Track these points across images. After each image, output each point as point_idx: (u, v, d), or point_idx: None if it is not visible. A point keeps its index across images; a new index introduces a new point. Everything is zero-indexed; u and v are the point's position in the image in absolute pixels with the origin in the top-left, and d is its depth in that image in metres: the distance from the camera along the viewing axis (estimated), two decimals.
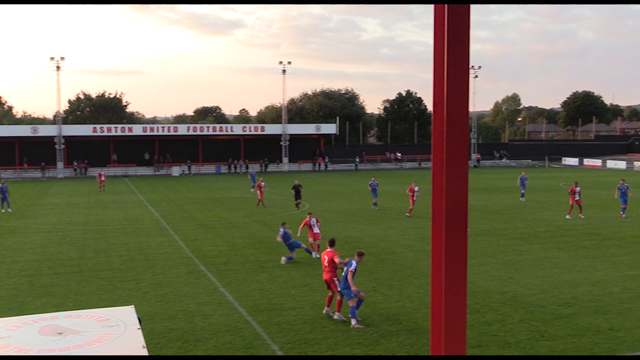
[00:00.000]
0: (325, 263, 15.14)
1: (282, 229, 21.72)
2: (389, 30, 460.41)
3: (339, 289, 14.80)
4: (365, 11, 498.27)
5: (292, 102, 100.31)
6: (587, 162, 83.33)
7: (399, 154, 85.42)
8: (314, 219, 22.99)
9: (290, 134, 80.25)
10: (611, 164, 79.90)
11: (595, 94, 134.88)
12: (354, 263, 14.67)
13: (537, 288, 17.63)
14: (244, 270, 20.44)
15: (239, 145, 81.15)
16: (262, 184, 39.26)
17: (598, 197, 41.31)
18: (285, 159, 79.99)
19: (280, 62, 79.86)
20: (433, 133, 5.66)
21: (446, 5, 5.34)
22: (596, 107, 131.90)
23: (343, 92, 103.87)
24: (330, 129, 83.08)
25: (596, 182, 52.97)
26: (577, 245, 24.48)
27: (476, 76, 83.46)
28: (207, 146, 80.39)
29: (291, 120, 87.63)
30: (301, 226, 22.92)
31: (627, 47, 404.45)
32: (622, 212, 32.17)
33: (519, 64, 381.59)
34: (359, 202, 40.91)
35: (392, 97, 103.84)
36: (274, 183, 53.60)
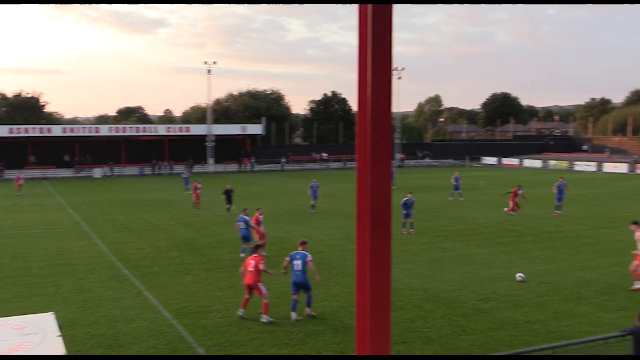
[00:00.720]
0: (251, 268, 14.97)
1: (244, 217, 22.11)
2: (314, 31, 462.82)
3: (264, 293, 14.80)
4: (290, 12, 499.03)
5: (217, 102, 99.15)
6: (506, 161, 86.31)
7: (325, 154, 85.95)
8: (262, 216, 23.21)
9: (215, 135, 79.36)
10: (528, 162, 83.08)
11: (512, 96, 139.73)
12: (308, 254, 15.03)
13: (459, 284, 18.15)
14: (169, 273, 20.11)
15: (163, 146, 79.66)
16: (199, 185, 38.66)
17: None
18: (210, 160, 79.05)
19: (205, 62, 78.98)
20: (357, 133, 5.74)
21: (369, 6, 5.43)
22: (514, 108, 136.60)
23: (269, 92, 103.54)
24: (256, 129, 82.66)
25: (514, 181, 54.80)
26: (496, 241, 25.32)
27: (399, 77, 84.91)
28: (130, 147, 78.50)
29: (217, 121, 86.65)
30: (254, 222, 22.69)
31: (541, 50, 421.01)
32: (557, 210, 32.87)
33: (441, 65, 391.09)
34: (285, 202, 40.91)
35: (318, 97, 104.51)
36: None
